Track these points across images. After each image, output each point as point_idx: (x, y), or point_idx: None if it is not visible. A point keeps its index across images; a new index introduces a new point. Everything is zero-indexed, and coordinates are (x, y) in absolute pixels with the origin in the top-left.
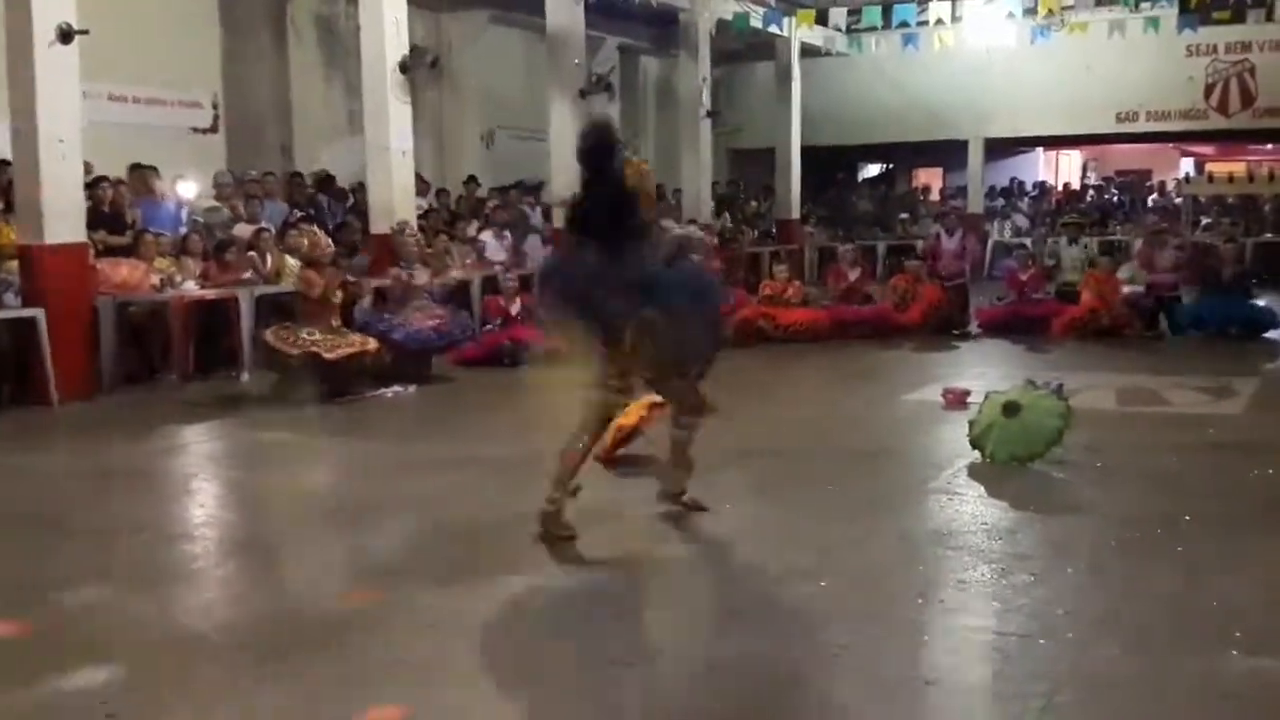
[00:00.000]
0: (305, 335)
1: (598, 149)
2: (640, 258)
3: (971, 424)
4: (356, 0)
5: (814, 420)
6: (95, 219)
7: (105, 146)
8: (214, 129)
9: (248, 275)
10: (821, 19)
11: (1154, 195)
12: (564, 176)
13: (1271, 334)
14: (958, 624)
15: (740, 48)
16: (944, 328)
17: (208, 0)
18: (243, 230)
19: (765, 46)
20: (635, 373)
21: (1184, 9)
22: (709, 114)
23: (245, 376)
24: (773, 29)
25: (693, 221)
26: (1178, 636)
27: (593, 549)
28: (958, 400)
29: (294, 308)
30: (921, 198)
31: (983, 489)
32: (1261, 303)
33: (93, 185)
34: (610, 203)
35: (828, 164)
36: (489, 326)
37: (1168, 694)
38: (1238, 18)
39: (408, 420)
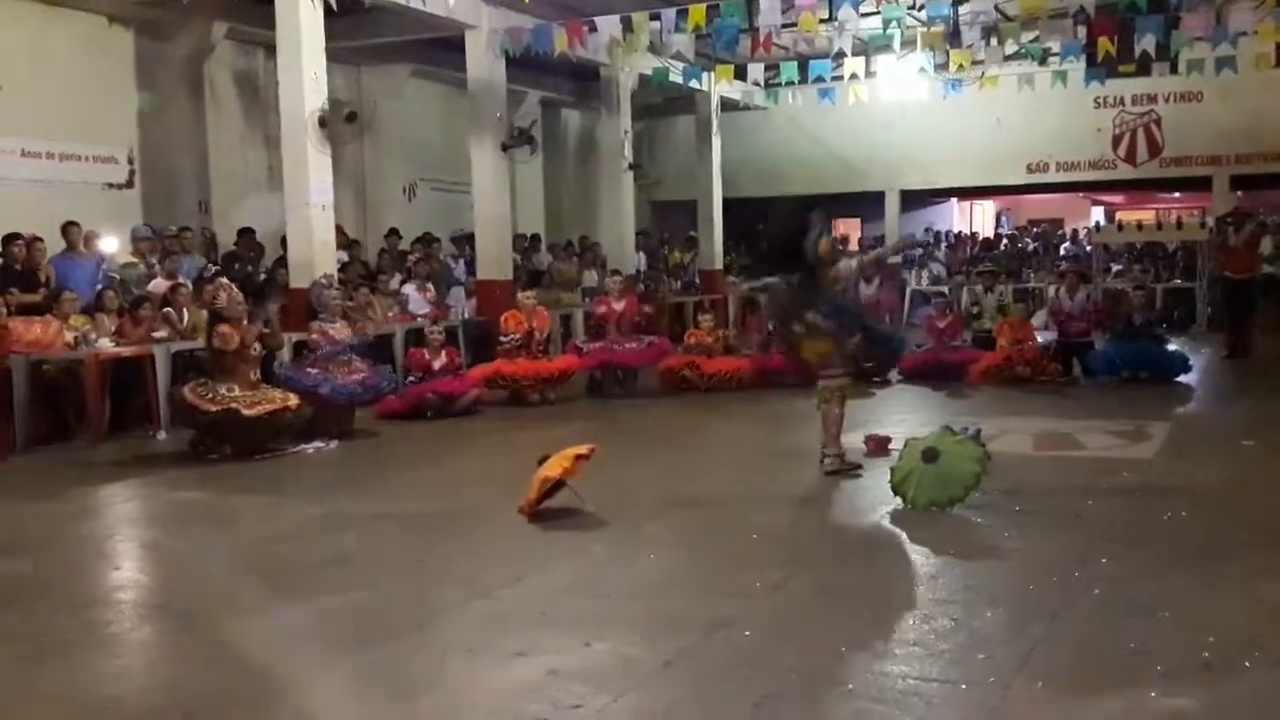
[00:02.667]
0: (224, 392)
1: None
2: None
3: (893, 470)
4: (275, 54)
5: (737, 468)
6: (7, 277)
7: (18, 203)
8: (130, 184)
9: (164, 334)
10: (740, 74)
11: (1066, 243)
12: (487, 229)
13: (1182, 377)
14: (881, 671)
15: (661, 102)
16: (865, 375)
17: (123, 54)
18: (158, 286)
19: (685, 100)
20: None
21: (1091, 63)
22: (631, 166)
23: (162, 434)
24: (692, 84)
25: (617, 272)
26: (1097, 678)
27: (504, 610)
28: (879, 447)
29: (209, 364)
30: (840, 247)
31: (904, 535)
32: (1172, 347)
33: (5, 243)
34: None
35: (750, 215)
36: (411, 379)
37: None
38: (1143, 70)
39: (329, 476)
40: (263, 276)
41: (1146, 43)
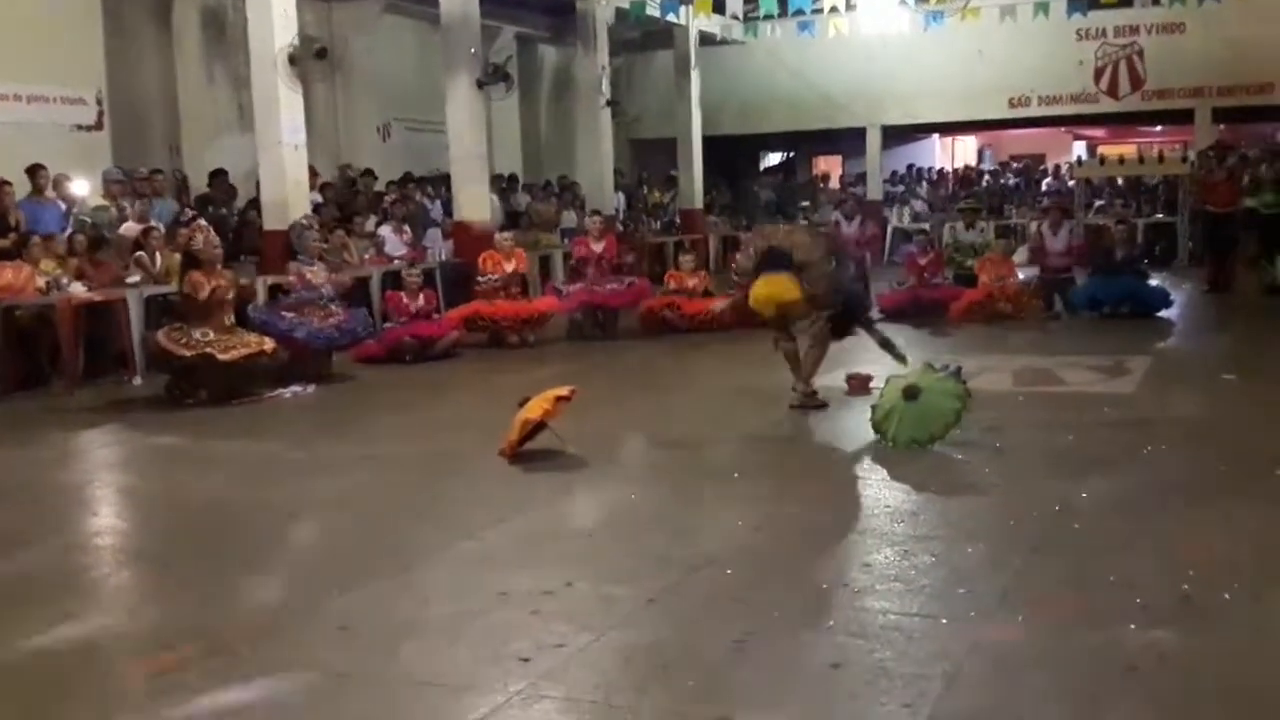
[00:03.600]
0: (199, 336)
1: None
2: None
3: (874, 408)
4: None
5: (718, 408)
6: None
7: None
8: (99, 126)
9: (137, 278)
10: (718, 7)
11: (1048, 179)
12: (463, 169)
13: (1163, 312)
14: (862, 607)
15: (638, 37)
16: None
17: None
18: (129, 229)
19: (663, 35)
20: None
21: None
22: (608, 103)
23: (137, 380)
24: (670, 18)
25: (597, 212)
26: (1077, 612)
27: (487, 551)
28: (860, 385)
29: (183, 309)
30: (821, 185)
31: (885, 472)
32: (1153, 282)
33: None
34: None
35: (730, 153)
36: (389, 323)
37: (1068, 669)
38: (1125, 1)
39: (307, 421)
40: (235, 219)
41: None
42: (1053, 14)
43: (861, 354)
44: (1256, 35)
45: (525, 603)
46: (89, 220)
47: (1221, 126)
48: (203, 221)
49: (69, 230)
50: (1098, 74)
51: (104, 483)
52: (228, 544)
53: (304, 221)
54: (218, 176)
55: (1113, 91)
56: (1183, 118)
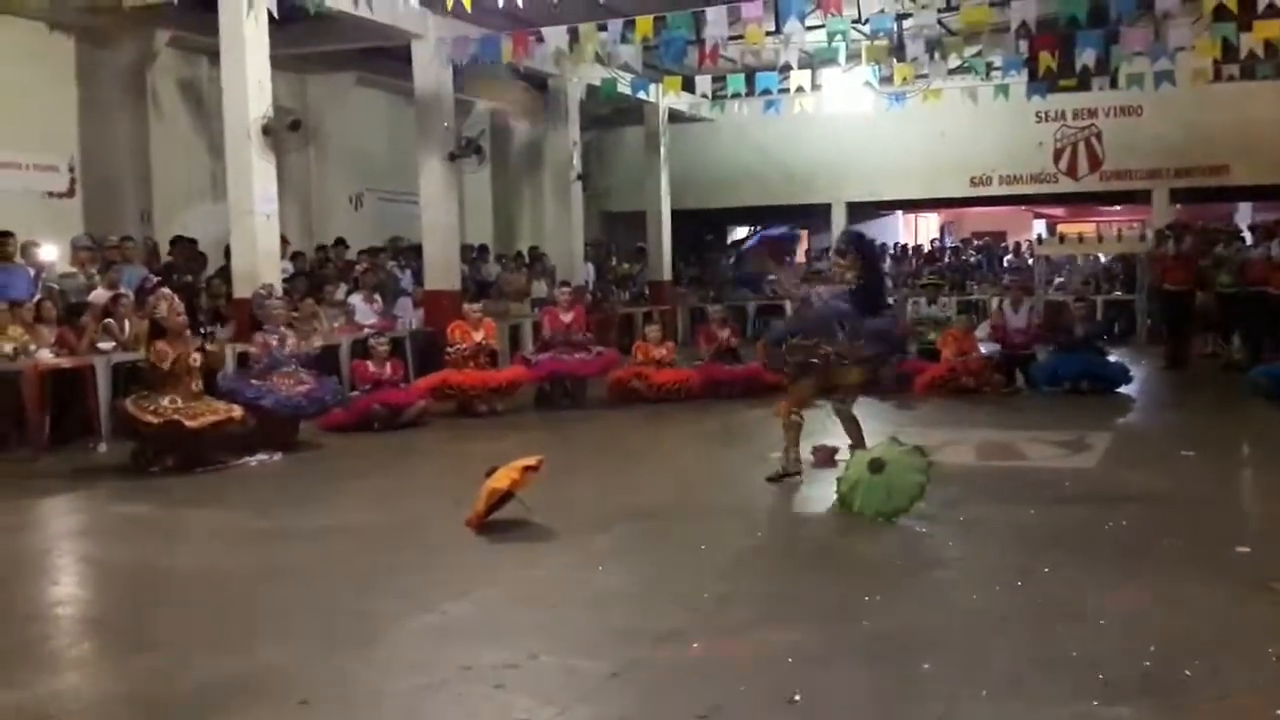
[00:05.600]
0: (166, 403)
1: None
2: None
3: (839, 481)
4: (219, 62)
5: (685, 479)
6: None
7: None
8: (70, 193)
9: (110, 345)
10: (688, 85)
11: (1009, 256)
12: (435, 239)
13: (1123, 388)
14: (827, 681)
15: (609, 113)
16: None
17: (64, 62)
18: (99, 296)
19: (634, 112)
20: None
21: (1033, 77)
22: (579, 177)
23: (103, 447)
24: (640, 95)
25: (566, 283)
26: (1041, 687)
27: (451, 623)
28: (826, 458)
29: (149, 376)
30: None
31: (849, 545)
32: (1112, 358)
33: None
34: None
35: (698, 226)
36: (356, 391)
37: None
38: (1083, 85)
39: (273, 489)
40: (202, 286)
41: (1087, 57)
42: (1013, 96)
43: (829, 426)
44: (1212, 119)
45: (489, 676)
46: (56, 287)
47: (1178, 206)
48: (166, 290)
49: (37, 296)
50: (1057, 155)
51: (66, 551)
52: (189, 615)
53: (263, 291)
54: (179, 244)
55: (1072, 172)
56: (1140, 198)
